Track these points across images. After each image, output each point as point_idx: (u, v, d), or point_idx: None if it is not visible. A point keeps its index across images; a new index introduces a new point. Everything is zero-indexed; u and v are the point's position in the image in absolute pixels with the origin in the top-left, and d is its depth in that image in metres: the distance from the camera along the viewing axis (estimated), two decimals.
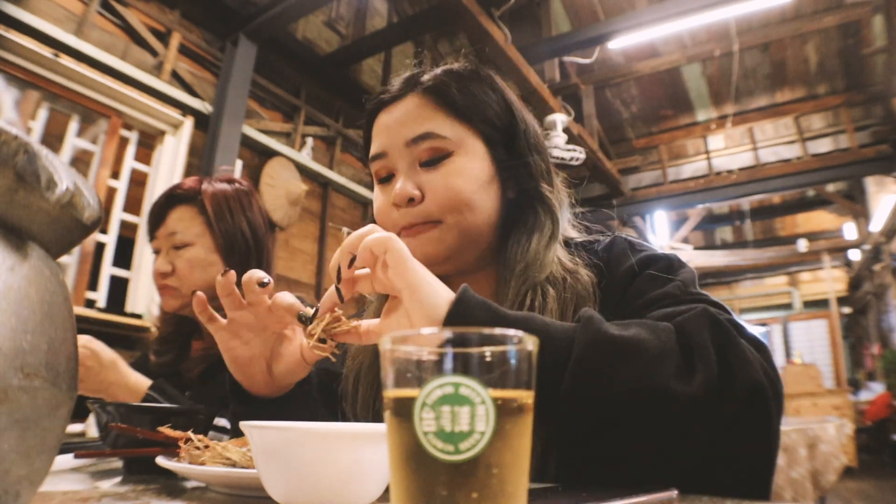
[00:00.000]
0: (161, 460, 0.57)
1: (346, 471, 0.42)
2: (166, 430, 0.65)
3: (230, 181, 1.28)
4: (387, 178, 0.74)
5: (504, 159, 0.74)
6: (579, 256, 0.72)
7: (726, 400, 0.49)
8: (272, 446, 0.42)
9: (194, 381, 1.21)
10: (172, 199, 1.21)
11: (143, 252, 3.27)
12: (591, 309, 0.55)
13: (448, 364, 0.27)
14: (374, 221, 0.72)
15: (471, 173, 0.70)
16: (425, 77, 0.74)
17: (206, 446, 0.58)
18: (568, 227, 0.77)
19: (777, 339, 10.03)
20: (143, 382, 1.04)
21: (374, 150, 0.75)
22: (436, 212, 0.69)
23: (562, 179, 0.79)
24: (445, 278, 0.76)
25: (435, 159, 0.70)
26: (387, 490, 0.41)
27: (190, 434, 0.62)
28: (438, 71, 0.75)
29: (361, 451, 0.42)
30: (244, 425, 0.44)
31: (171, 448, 0.63)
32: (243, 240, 1.23)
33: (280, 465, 0.42)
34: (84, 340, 1.02)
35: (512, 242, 0.72)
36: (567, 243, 0.76)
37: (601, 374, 0.49)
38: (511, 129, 0.75)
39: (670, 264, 0.67)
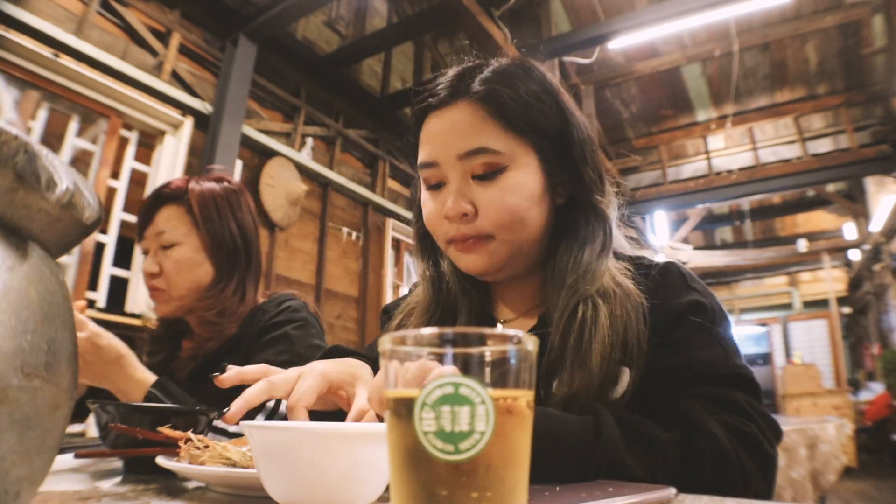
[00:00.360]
0: (161, 460, 0.57)
1: (345, 471, 0.42)
2: (166, 431, 0.65)
3: (219, 180, 1.26)
4: (436, 186, 0.73)
5: (556, 168, 0.72)
6: (628, 270, 0.73)
7: None
8: (272, 446, 0.42)
9: (184, 381, 1.19)
10: (160, 198, 1.20)
11: None
12: (603, 409, 0.59)
13: (448, 364, 0.27)
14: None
15: (524, 189, 0.70)
16: (476, 83, 0.70)
17: (206, 446, 0.58)
18: (618, 234, 0.78)
19: (777, 339, 10.03)
20: (147, 379, 1.03)
21: (423, 157, 0.73)
22: (489, 228, 0.70)
23: (611, 182, 0.78)
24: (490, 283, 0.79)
25: (489, 174, 0.70)
26: (387, 490, 0.41)
27: (190, 434, 0.62)
28: (489, 73, 0.71)
29: (361, 451, 0.42)
30: (244, 425, 0.44)
31: (171, 448, 0.63)
32: (231, 239, 1.21)
33: (280, 465, 0.42)
34: (90, 334, 1.00)
35: (562, 252, 0.72)
36: (615, 254, 0.76)
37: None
38: (564, 135, 0.72)
39: (714, 315, 0.69)
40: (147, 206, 1.21)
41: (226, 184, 1.26)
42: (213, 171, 1.32)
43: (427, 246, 0.83)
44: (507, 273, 0.75)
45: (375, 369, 0.73)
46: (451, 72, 0.74)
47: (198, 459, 0.56)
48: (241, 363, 1.14)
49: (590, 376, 0.64)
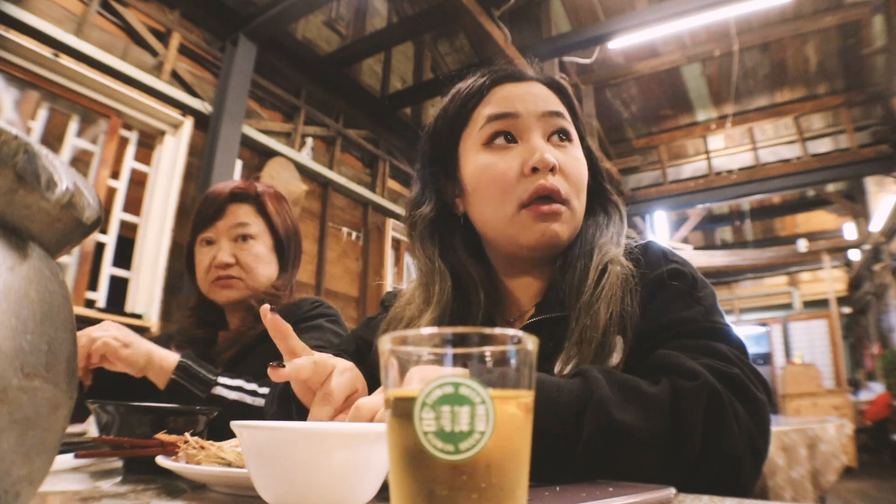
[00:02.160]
0: (161, 460, 0.57)
1: (337, 471, 0.41)
2: (162, 437, 0.65)
3: (269, 186, 1.35)
4: (499, 142, 0.73)
5: (587, 162, 0.80)
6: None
7: (704, 472, 0.54)
8: (263, 446, 0.42)
9: (224, 364, 1.23)
10: (233, 196, 1.27)
11: (143, 252, 3.27)
12: (592, 369, 0.58)
13: (448, 364, 0.27)
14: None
15: (584, 165, 0.77)
16: (541, 74, 0.80)
17: (202, 447, 0.58)
18: None
19: (777, 339, 10.02)
20: (172, 354, 1.05)
21: (500, 109, 0.74)
22: (569, 190, 0.72)
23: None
24: (512, 261, 0.79)
25: (565, 137, 0.75)
26: (385, 490, 0.41)
27: (187, 437, 0.62)
28: (546, 72, 0.82)
29: (353, 451, 0.41)
30: (235, 425, 0.44)
31: (171, 447, 0.63)
32: (295, 240, 1.34)
33: (271, 465, 0.41)
34: (111, 333, 1.01)
35: (587, 232, 0.76)
36: None
37: (604, 456, 0.54)
38: (584, 133, 0.81)
39: (694, 282, 0.70)
40: (220, 200, 1.26)
41: (273, 190, 1.35)
42: (253, 177, 1.43)
43: (434, 231, 0.80)
44: (558, 251, 0.75)
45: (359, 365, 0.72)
46: (509, 62, 0.82)
47: (194, 459, 0.56)
48: (277, 348, 1.16)
49: (592, 336, 0.65)
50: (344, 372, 0.64)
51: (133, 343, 1.01)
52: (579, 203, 0.74)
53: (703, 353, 0.60)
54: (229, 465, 0.55)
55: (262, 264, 1.26)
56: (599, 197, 0.81)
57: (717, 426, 0.54)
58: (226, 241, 1.24)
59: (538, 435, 0.53)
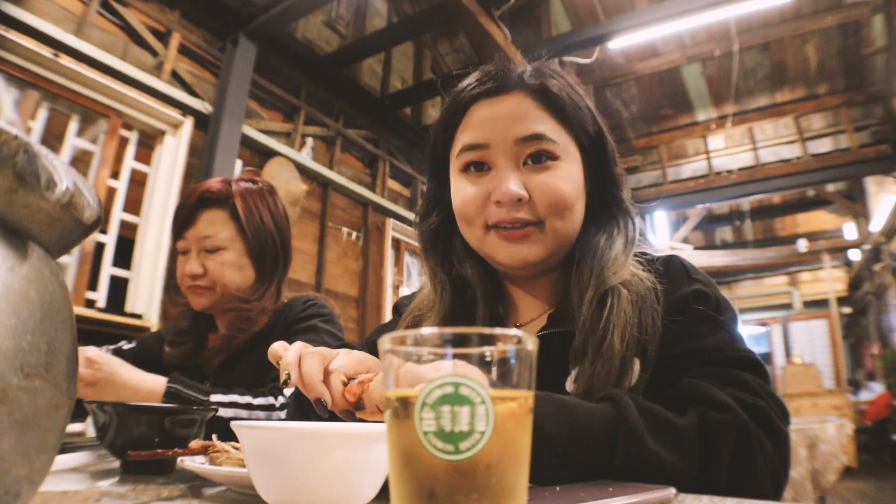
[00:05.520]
0: (186, 461, 0.58)
1: (337, 471, 0.41)
2: (195, 443, 0.66)
3: (253, 181, 1.28)
4: (476, 169, 0.73)
5: (592, 168, 0.75)
6: (636, 260, 0.74)
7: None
8: (262, 446, 0.42)
9: (213, 371, 1.22)
10: (202, 201, 1.21)
11: (143, 252, 3.27)
12: (621, 394, 0.58)
13: (448, 363, 0.27)
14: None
15: (573, 179, 0.71)
16: (528, 76, 0.73)
17: (225, 450, 0.60)
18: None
19: (777, 339, 10.02)
20: (159, 381, 1.03)
21: (472, 139, 0.73)
22: (541, 213, 0.70)
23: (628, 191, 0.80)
24: (512, 277, 0.78)
25: (543, 160, 0.70)
26: (385, 490, 0.41)
27: (215, 441, 0.63)
28: (536, 70, 0.75)
29: (353, 451, 0.41)
30: (235, 425, 0.44)
31: (201, 450, 0.64)
32: (272, 241, 1.26)
33: (271, 465, 0.41)
34: (87, 356, 0.97)
35: (593, 244, 0.73)
36: None
37: (635, 477, 0.54)
38: (599, 140, 0.76)
39: (718, 303, 0.70)
40: (189, 207, 1.22)
41: (260, 184, 1.28)
42: (244, 171, 1.33)
43: (437, 242, 0.82)
44: (542, 267, 0.74)
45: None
46: (491, 67, 0.75)
47: (217, 461, 0.57)
48: (265, 354, 1.16)
49: (609, 366, 0.65)
50: (350, 353, 0.65)
51: (100, 381, 0.96)
52: (561, 221, 0.70)
53: (730, 383, 0.61)
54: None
55: (232, 272, 1.20)
56: (608, 205, 0.76)
57: (745, 459, 0.55)
58: (195, 251, 1.21)
59: (570, 460, 0.53)
